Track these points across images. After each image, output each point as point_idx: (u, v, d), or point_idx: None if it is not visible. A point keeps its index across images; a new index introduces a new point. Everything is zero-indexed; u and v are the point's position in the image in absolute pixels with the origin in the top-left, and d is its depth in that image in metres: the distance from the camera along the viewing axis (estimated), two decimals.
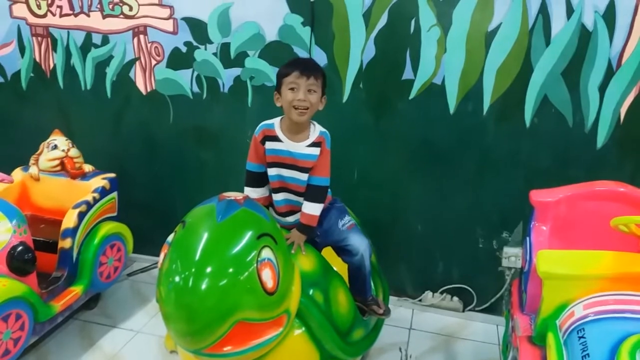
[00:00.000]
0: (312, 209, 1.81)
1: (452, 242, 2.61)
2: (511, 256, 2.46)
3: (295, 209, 1.88)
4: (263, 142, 1.83)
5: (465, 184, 2.51)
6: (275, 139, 1.81)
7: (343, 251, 1.89)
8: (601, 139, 2.29)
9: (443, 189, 2.55)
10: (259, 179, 1.89)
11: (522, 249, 1.98)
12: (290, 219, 1.89)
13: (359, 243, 1.86)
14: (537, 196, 1.88)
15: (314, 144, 1.79)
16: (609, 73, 2.21)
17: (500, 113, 2.37)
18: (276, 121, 1.84)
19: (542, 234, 1.84)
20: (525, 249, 1.89)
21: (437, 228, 2.61)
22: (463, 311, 2.70)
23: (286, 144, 1.80)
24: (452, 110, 2.41)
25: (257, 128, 1.86)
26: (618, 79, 2.21)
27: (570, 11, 2.17)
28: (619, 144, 2.28)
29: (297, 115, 1.74)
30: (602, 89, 2.23)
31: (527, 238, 1.87)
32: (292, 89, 1.73)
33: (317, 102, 1.76)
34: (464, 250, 2.61)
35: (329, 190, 1.93)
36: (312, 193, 1.81)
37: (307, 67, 1.74)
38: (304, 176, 1.82)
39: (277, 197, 1.89)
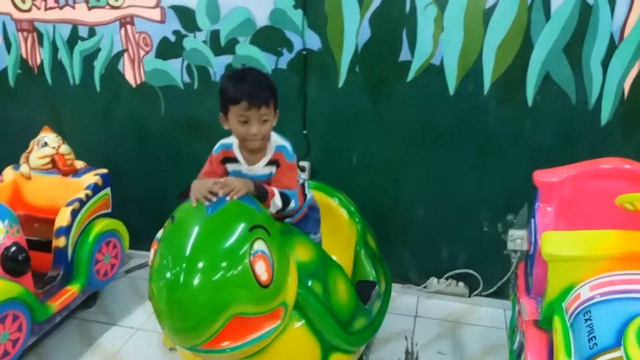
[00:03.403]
0: (278, 194, 1.61)
1: (456, 226, 2.56)
2: (517, 239, 2.40)
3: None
4: (224, 162, 1.72)
5: (467, 166, 2.45)
6: (234, 160, 1.70)
7: None
8: (605, 115, 2.23)
9: (445, 172, 2.49)
10: None
11: (527, 231, 1.93)
12: None
13: None
14: (541, 176, 1.83)
15: (270, 162, 1.67)
16: (612, 47, 2.14)
17: (501, 92, 2.30)
18: (235, 141, 1.70)
19: (546, 215, 1.79)
20: (530, 231, 1.84)
21: (440, 212, 2.56)
22: (469, 296, 2.66)
23: (244, 166, 1.69)
24: (451, 91, 2.34)
25: (217, 146, 1.73)
26: (621, 53, 2.14)
27: None
28: (623, 120, 2.22)
29: (252, 145, 1.62)
30: (605, 64, 2.16)
31: (532, 220, 1.83)
32: (243, 121, 1.57)
33: (271, 126, 1.63)
34: (469, 235, 2.56)
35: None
36: (282, 194, 1.63)
37: (257, 95, 1.53)
38: None
39: None
